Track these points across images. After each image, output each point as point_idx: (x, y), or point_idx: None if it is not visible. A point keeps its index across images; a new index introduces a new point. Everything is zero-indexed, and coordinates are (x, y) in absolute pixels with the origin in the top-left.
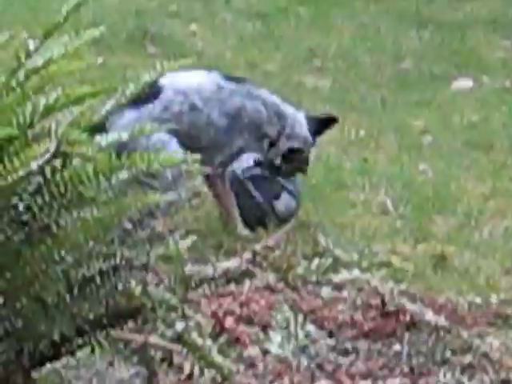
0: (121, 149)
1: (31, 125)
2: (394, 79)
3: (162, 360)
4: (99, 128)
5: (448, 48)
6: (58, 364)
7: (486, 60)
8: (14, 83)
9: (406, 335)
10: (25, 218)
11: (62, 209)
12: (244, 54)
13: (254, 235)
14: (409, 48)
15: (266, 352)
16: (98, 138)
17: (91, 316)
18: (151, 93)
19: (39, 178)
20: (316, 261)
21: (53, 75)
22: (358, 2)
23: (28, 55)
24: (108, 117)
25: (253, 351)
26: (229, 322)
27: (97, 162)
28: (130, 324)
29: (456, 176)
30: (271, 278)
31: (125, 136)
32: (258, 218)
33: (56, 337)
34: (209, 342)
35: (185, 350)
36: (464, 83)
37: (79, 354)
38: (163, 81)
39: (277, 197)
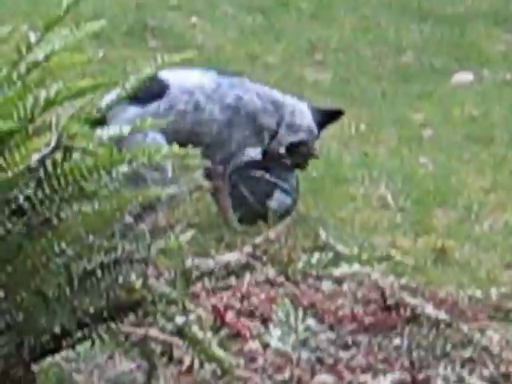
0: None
1: (32, 118)
2: (395, 72)
3: (162, 353)
4: (99, 121)
5: (449, 41)
6: (58, 357)
7: (487, 53)
8: (15, 76)
9: (407, 329)
10: (25, 211)
11: (63, 202)
12: (245, 46)
13: (253, 229)
14: (410, 41)
15: (266, 346)
16: (98, 131)
17: (92, 309)
18: (157, 90)
19: (40, 172)
20: (316, 255)
21: (54, 68)
22: None
23: (29, 48)
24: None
25: (253, 345)
26: (229, 315)
27: (98, 156)
28: (131, 317)
29: (456, 169)
30: (271, 271)
31: (126, 130)
32: (250, 219)
33: (56, 330)
34: (209, 335)
35: (185, 344)
36: (465, 76)
37: (79, 347)
38: (169, 78)
39: (269, 195)
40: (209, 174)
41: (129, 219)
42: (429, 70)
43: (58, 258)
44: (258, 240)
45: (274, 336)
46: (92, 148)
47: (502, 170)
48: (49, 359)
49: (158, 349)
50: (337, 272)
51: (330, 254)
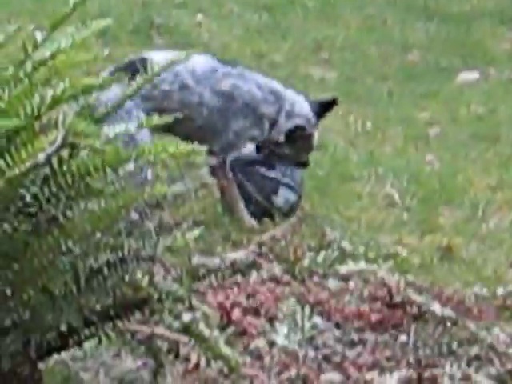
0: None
1: (38, 116)
2: (401, 71)
3: (169, 351)
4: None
5: (455, 40)
6: (64, 355)
7: (493, 52)
8: (21, 74)
9: (413, 327)
10: (32, 209)
11: (70, 200)
12: (250, 44)
13: (260, 227)
14: (415, 40)
15: (272, 343)
16: (105, 129)
17: (98, 307)
18: (141, 70)
19: (46, 170)
20: (323, 253)
21: (60, 67)
22: None
23: (35, 47)
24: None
25: (259, 343)
26: (236, 313)
27: (104, 154)
28: (137, 315)
29: (463, 168)
30: (278, 269)
31: (132, 127)
32: (258, 216)
33: (63, 328)
34: (216, 333)
35: (192, 341)
36: (470, 75)
37: (86, 345)
38: (155, 59)
39: (275, 192)
40: (213, 171)
41: (135, 217)
42: (435, 68)
43: (64, 256)
44: (264, 238)
45: (281, 334)
46: (98, 146)
47: (509, 168)
48: (55, 357)
49: (165, 347)
50: (343, 270)
51: (336, 252)
